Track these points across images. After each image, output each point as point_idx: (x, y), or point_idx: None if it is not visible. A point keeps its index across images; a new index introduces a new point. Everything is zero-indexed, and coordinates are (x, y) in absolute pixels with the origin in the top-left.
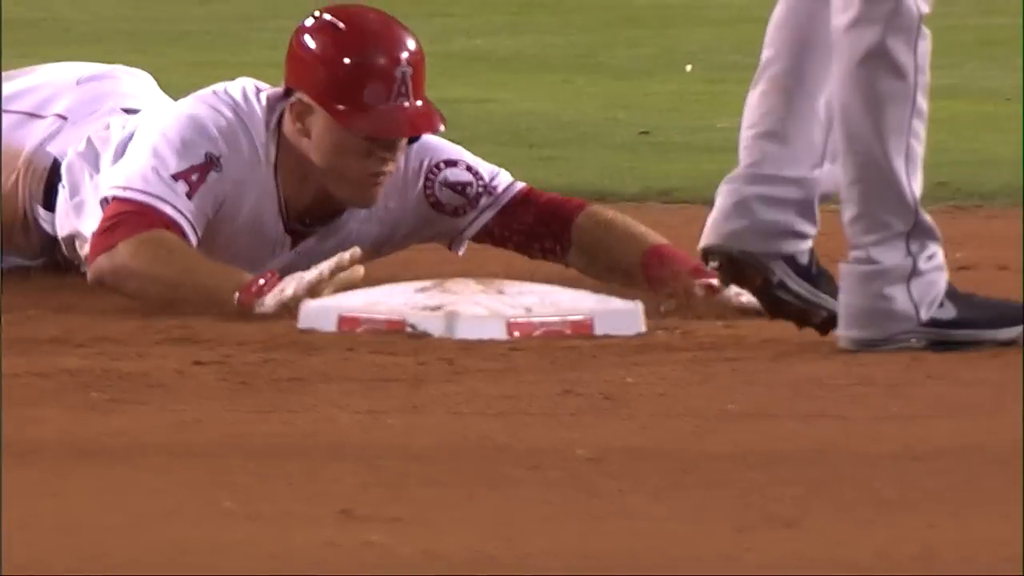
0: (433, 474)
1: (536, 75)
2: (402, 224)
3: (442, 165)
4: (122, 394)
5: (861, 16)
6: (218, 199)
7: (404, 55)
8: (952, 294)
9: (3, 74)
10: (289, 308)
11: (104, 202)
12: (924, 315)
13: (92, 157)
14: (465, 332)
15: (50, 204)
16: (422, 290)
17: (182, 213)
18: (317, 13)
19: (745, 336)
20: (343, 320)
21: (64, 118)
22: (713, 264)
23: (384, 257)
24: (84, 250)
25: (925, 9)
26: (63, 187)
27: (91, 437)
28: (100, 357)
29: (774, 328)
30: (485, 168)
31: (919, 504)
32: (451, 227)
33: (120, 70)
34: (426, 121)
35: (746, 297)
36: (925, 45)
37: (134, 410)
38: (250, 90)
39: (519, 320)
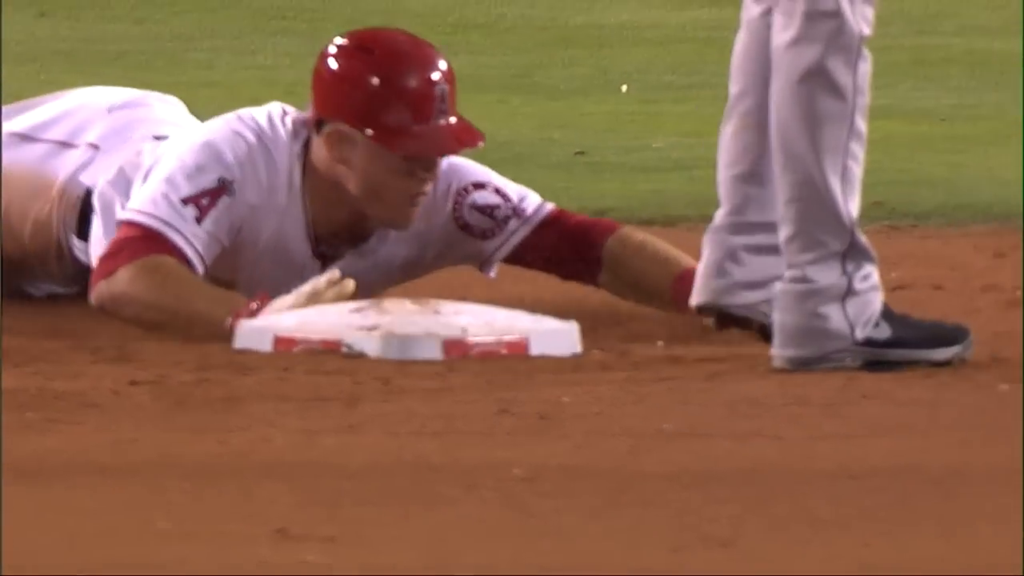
0: (368, 493)
1: (471, 95)
2: (431, 246)
3: (471, 188)
4: (57, 414)
5: (802, 35)
6: (234, 224)
7: (439, 72)
8: (887, 314)
9: (31, 100)
10: None
11: (117, 225)
12: (859, 334)
13: (124, 186)
14: (400, 352)
15: (84, 233)
16: (358, 310)
17: (187, 239)
18: (341, 40)
19: (681, 356)
20: (279, 340)
21: (96, 147)
22: (708, 321)
23: (411, 280)
24: None
25: (866, 31)
26: (96, 216)
27: (26, 457)
28: (35, 377)
29: (709, 347)
30: (513, 190)
31: (854, 523)
32: (480, 249)
33: (152, 97)
34: (469, 136)
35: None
36: (865, 67)
37: (69, 430)
38: (276, 115)
39: (455, 340)
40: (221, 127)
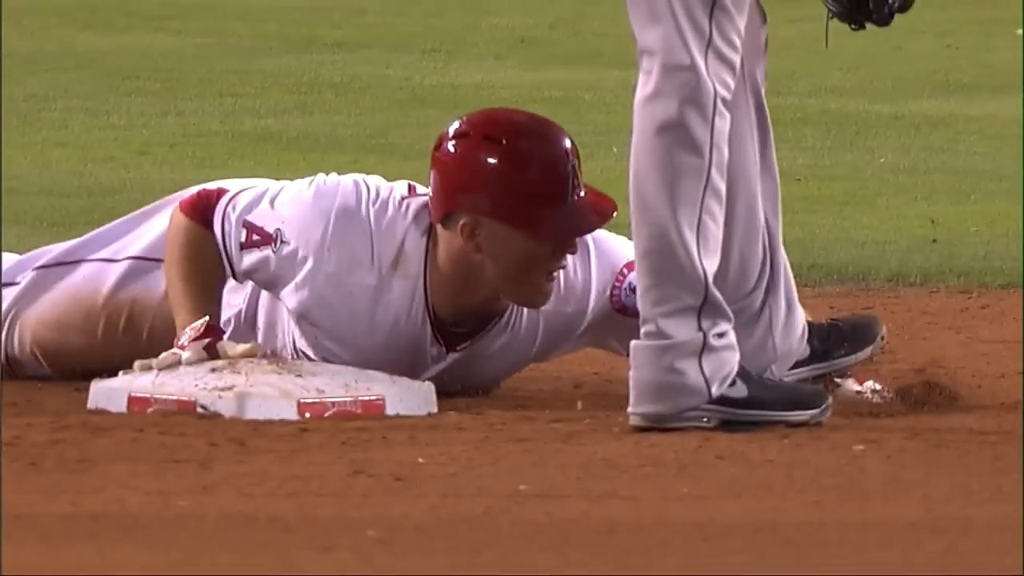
0: (223, 555)
1: (326, 155)
2: (578, 328)
3: (626, 271)
4: None
5: (659, 89)
6: (268, 276)
7: (566, 149)
8: (745, 375)
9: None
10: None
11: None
12: (715, 391)
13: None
14: (256, 413)
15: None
16: (213, 370)
17: (224, 245)
18: (460, 127)
19: (536, 417)
20: (133, 400)
21: (138, 258)
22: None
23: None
24: (291, 332)
25: (724, 93)
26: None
27: None
28: None
29: (564, 409)
30: None
31: None
32: (630, 328)
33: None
34: (607, 206)
35: (865, 394)
36: (723, 125)
37: None
38: (397, 196)
39: (310, 401)
40: (345, 193)
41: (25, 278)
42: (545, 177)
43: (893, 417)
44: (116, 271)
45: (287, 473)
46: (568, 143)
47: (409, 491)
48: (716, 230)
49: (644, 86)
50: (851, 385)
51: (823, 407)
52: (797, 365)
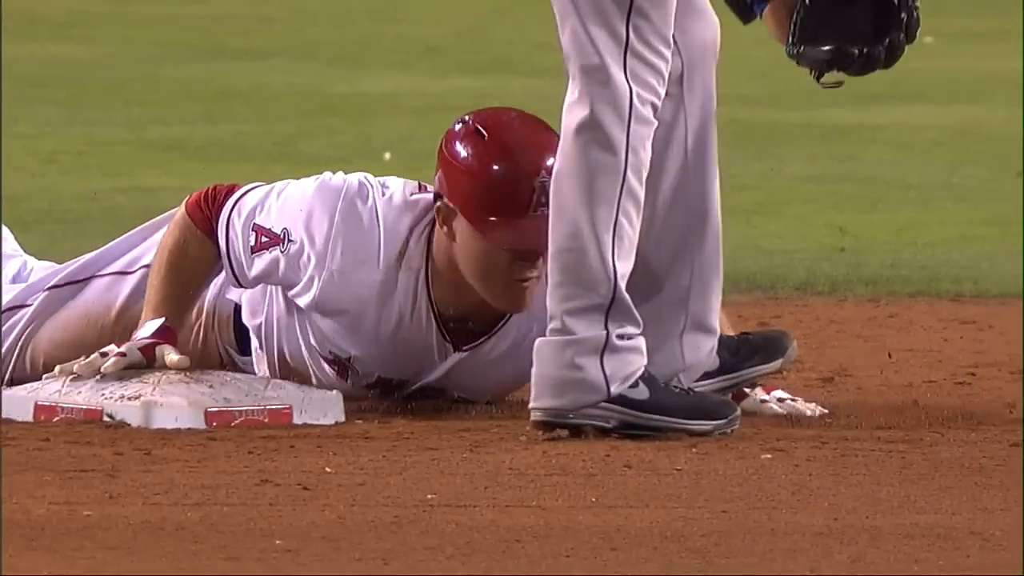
0: (130, 565)
1: (233, 164)
2: None
3: None
4: None
5: (577, 91)
6: (280, 277)
7: (543, 164)
8: (649, 379)
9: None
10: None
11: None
12: (615, 390)
13: (261, 291)
14: (163, 422)
15: (243, 349)
16: (120, 379)
17: (228, 252)
18: (466, 118)
19: (444, 426)
20: (40, 409)
21: None
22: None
23: None
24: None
25: (647, 96)
26: (252, 333)
27: None
28: None
29: (472, 418)
30: None
31: None
32: None
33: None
34: None
35: (771, 403)
36: (642, 130)
37: None
38: (404, 191)
39: (217, 410)
40: (350, 195)
41: (36, 299)
42: (509, 183)
43: (801, 426)
44: (130, 282)
45: (194, 482)
46: (547, 164)
47: (316, 500)
48: (632, 233)
49: (569, 92)
50: (759, 394)
51: (729, 419)
52: (706, 376)
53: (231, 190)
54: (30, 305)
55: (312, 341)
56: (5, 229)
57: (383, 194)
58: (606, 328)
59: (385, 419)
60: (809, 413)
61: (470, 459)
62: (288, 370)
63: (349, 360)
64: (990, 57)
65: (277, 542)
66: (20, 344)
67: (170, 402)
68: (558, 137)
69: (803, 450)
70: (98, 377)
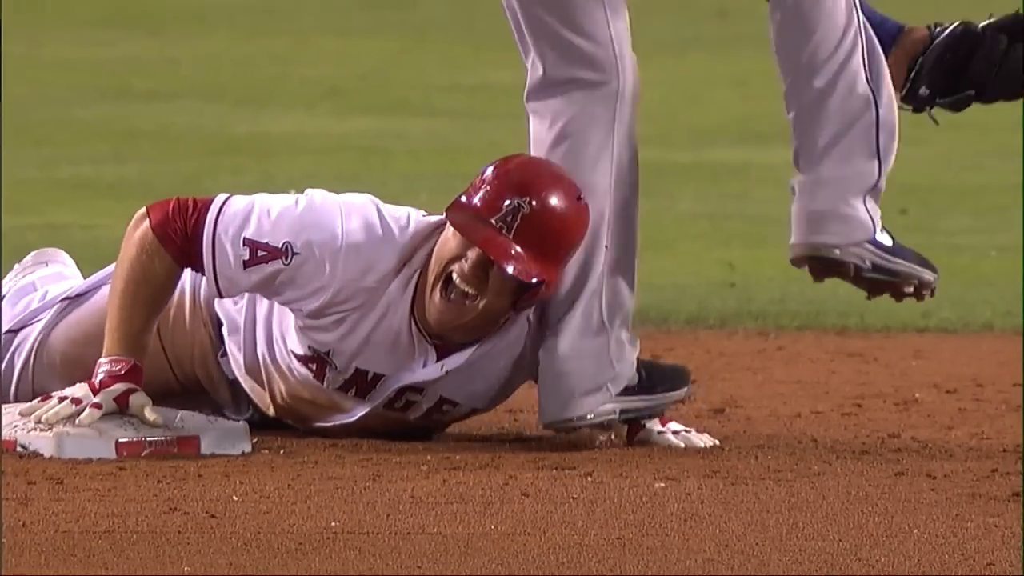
0: None
1: (141, 201)
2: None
3: None
4: None
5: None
6: (275, 289)
7: (539, 201)
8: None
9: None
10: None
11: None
12: (877, 232)
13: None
14: (74, 451)
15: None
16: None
17: (215, 269)
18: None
19: (344, 455)
20: None
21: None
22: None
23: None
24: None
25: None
26: (228, 337)
27: None
28: None
29: (373, 445)
30: None
31: None
32: None
33: None
34: (532, 272)
35: (667, 434)
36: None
37: None
38: (411, 217)
39: (127, 440)
40: (360, 211)
41: (49, 311)
42: (496, 182)
43: (692, 456)
44: None
45: (104, 511)
46: (536, 202)
47: (223, 527)
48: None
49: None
50: (656, 426)
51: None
52: (627, 391)
53: (203, 205)
54: (41, 319)
55: (289, 342)
56: (63, 253)
57: (385, 212)
58: (879, 169)
59: (290, 449)
60: (702, 444)
61: (372, 487)
62: (259, 375)
63: (328, 354)
64: None
65: (185, 568)
66: (35, 351)
67: (82, 432)
68: (582, 204)
69: (694, 479)
70: (64, 426)
